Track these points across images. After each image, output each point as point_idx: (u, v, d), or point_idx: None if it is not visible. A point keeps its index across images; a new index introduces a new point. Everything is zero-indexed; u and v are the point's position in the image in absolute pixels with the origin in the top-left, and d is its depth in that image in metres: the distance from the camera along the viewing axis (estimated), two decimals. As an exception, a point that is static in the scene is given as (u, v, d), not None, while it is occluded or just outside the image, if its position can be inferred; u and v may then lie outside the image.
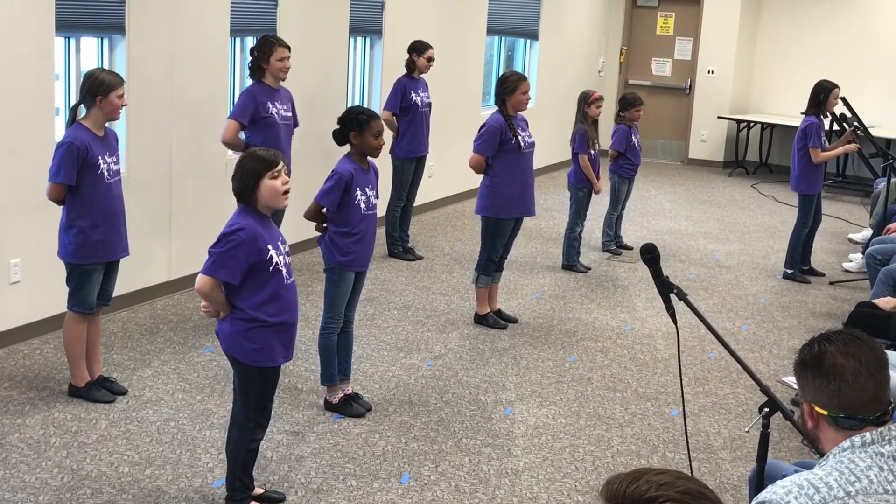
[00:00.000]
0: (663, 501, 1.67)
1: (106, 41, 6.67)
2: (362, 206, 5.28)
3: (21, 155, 5.96)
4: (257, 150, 4.26)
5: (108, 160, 5.21)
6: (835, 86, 8.52)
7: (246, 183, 4.12)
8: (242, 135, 6.81)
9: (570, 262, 8.69)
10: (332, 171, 5.28)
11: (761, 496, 2.26)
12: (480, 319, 7.05)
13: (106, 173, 5.19)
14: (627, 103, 9.18)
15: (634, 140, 9.17)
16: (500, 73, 9.17)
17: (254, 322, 4.13)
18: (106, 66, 6.50)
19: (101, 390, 5.43)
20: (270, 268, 4.11)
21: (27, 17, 5.92)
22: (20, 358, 5.91)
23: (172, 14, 6.95)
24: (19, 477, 4.54)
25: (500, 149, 6.75)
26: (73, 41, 6.60)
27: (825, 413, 2.37)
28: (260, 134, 6.63)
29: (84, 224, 5.18)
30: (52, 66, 6.18)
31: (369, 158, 5.38)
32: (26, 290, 6.11)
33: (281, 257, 4.17)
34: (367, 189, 5.30)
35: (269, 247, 4.11)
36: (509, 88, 6.77)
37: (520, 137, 6.76)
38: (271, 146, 6.22)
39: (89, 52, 6.72)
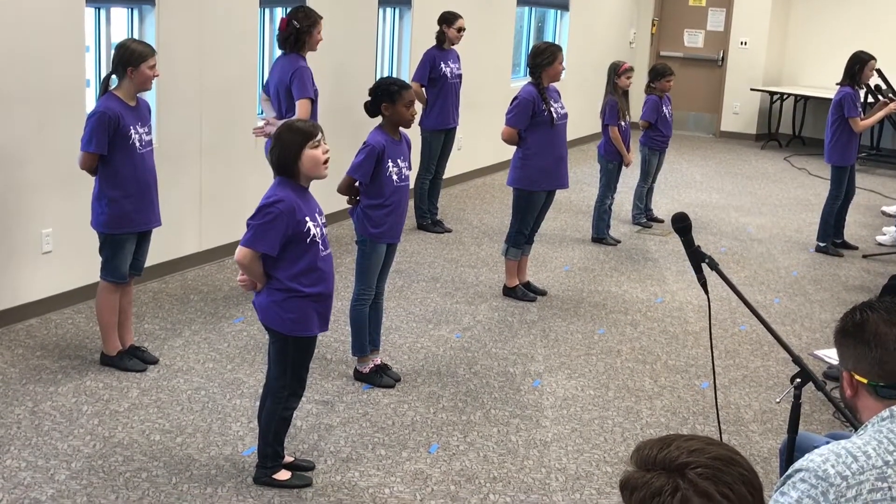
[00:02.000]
0: (694, 468, 1.66)
1: (136, 12, 6.68)
2: (394, 177, 5.27)
3: (52, 126, 5.99)
4: (295, 122, 4.28)
5: (140, 130, 5.23)
6: (871, 57, 8.40)
7: (288, 154, 4.13)
8: (272, 112, 6.72)
9: (600, 234, 8.65)
10: (364, 143, 5.28)
11: (798, 464, 2.24)
12: (509, 292, 7.03)
13: (138, 143, 5.21)
14: (658, 73, 9.11)
15: (665, 111, 9.10)
16: (532, 45, 9.10)
17: (290, 292, 4.16)
18: (136, 38, 6.50)
19: (133, 359, 5.47)
20: (308, 239, 4.14)
21: (58, -12, 5.93)
22: (52, 327, 5.97)
23: (202, -15, 6.94)
24: (52, 444, 4.59)
25: (533, 121, 6.71)
26: (103, 12, 6.61)
27: (865, 381, 2.34)
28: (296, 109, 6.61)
29: (116, 194, 5.20)
30: (82, 38, 6.20)
31: (402, 129, 5.36)
32: (58, 261, 6.16)
33: (318, 229, 4.19)
34: (399, 160, 5.29)
35: (307, 218, 4.14)
36: (549, 59, 6.71)
37: (552, 109, 6.72)
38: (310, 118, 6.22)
39: (119, 24, 6.73)
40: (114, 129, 5.10)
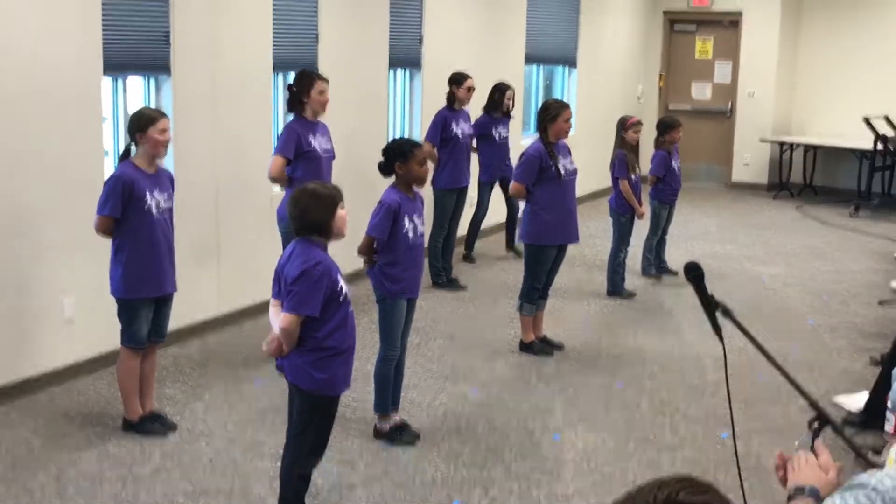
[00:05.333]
0: (677, 493, 1.69)
1: (152, 81, 6.81)
2: (410, 234, 5.34)
3: (71, 195, 6.08)
4: (321, 184, 4.39)
5: (158, 196, 5.29)
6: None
7: (324, 215, 4.22)
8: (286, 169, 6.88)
9: (615, 288, 8.67)
10: (379, 202, 5.37)
11: (863, 478, 2.12)
12: (526, 347, 7.06)
13: (154, 209, 5.27)
14: (666, 126, 9.22)
15: (674, 165, 9.18)
16: (541, 102, 9.22)
17: (325, 351, 4.22)
18: (152, 105, 6.63)
19: (155, 424, 5.50)
20: (341, 297, 4.23)
21: (75, 58, 6.07)
22: (75, 394, 6.01)
23: (216, 52, 7.08)
24: (77, 510, 4.61)
25: (541, 177, 6.79)
26: (120, 82, 6.74)
27: None
28: (303, 168, 6.67)
29: (130, 259, 5.27)
30: (99, 108, 6.32)
31: (415, 187, 5.45)
32: (80, 328, 6.22)
33: (346, 286, 4.28)
34: (414, 217, 5.37)
35: (339, 277, 4.23)
36: (551, 116, 6.82)
37: (560, 165, 6.80)
38: (314, 179, 6.31)
39: (136, 93, 6.87)
40: (128, 193, 5.18)
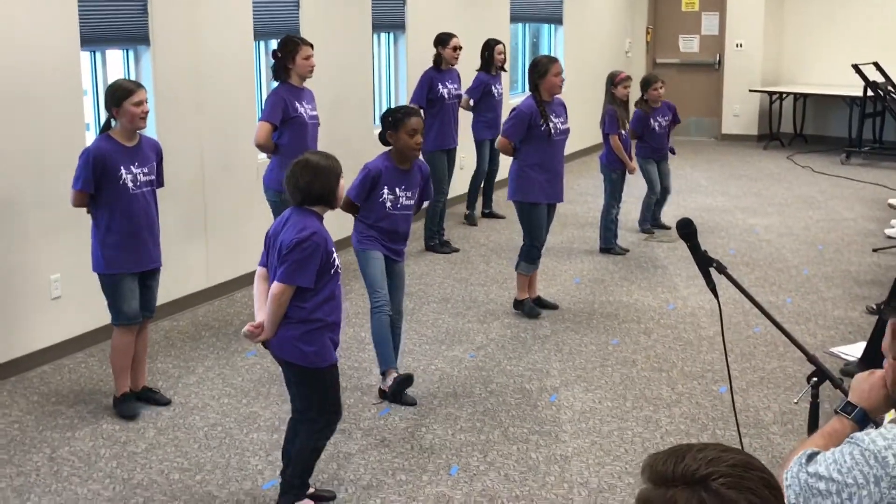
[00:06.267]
0: (716, 478, 1.61)
1: (131, 53, 6.71)
2: (388, 204, 5.32)
3: (53, 171, 5.99)
4: (321, 155, 4.31)
5: (136, 170, 5.17)
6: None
7: (331, 184, 4.17)
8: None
9: (608, 245, 8.62)
10: (364, 164, 5.34)
11: (856, 436, 2.09)
12: (519, 304, 7.00)
13: (131, 183, 5.16)
14: (645, 85, 9.15)
15: (654, 123, 9.09)
16: (529, 61, 9.13)
17: (313, 323, 4.14)
18: (133, 78, 6.52)
19: (128, 404, 5.37)
20: (332, 270, 4.17)
21: (52, 33, 5.95)
22: (66, 372, 5.96)
23: (196, 21, 6.97)
24: (72, 489, 4.57)
25: (530, 134, 6.70)
26: (98, 55, 6.63)
27: None
28: (289, 134, 6.59)
29: (108, 234, 5.18)
30: (79, 82, 6.21)
31: (419, 163, 5.44)
32: (68, 306, 6.15)
33: (338, 260, 4.24)
34: (397, 189, 5.32)
35: (332, 249, 4.18)
36: (541, 72, 6.73)
37: (551, 125, 6.70)
38: (301, 145, 6.25)
39: (116, 66, 6.76)
40: (101, 168, 5.07)
